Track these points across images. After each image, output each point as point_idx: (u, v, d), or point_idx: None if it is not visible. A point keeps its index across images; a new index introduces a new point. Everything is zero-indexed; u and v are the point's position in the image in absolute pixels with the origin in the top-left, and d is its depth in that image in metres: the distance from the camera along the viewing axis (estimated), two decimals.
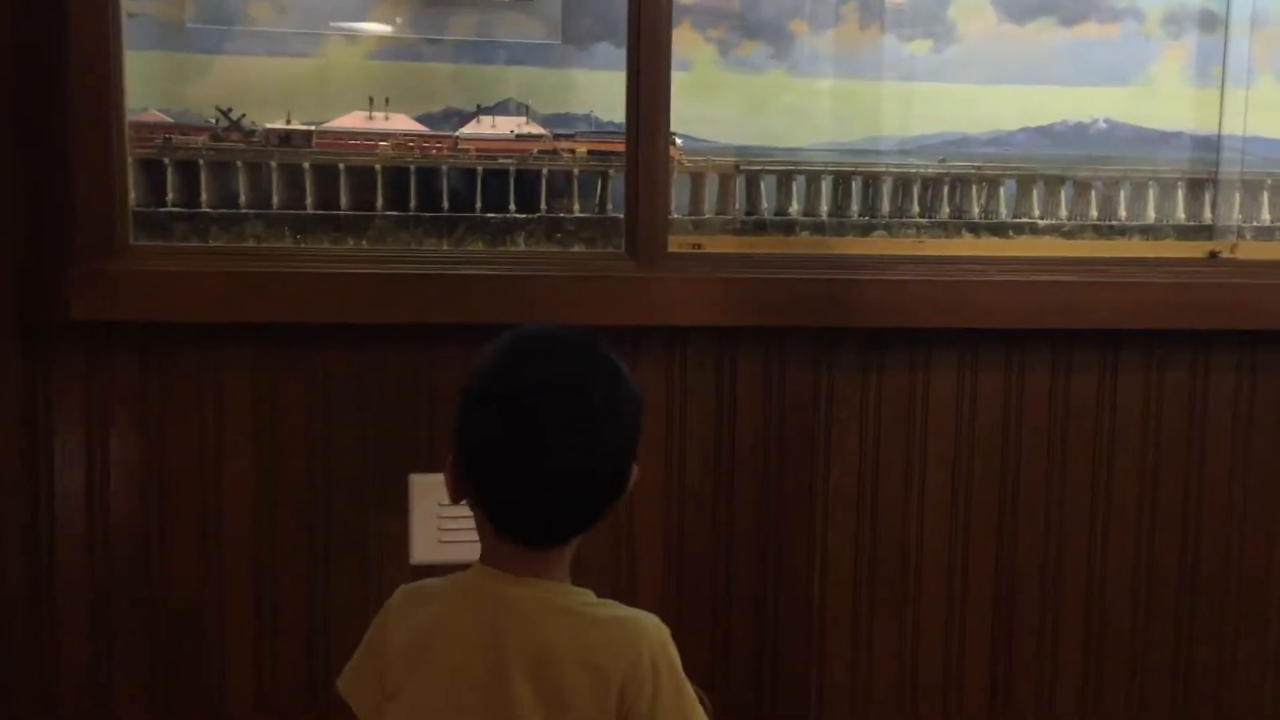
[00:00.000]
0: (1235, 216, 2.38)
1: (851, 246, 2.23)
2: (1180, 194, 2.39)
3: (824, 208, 2.33)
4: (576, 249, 2.14)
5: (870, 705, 2.08)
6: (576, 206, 2.23)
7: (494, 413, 1.21)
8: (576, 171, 2.22)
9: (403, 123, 2.20)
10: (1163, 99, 2.40)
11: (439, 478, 1.91)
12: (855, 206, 2.33)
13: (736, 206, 2.31)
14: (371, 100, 2.17)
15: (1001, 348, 2.05)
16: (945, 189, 2.35)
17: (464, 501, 1.26)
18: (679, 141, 2.11)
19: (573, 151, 2.22)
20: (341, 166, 2.16)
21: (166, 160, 2.08)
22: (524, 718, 1.18)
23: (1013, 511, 2.08)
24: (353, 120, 2.18)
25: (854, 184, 2.33)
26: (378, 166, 2.16)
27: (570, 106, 2.25)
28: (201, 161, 2.10)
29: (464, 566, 1.97)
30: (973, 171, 2.36)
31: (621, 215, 2.05)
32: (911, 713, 2.09)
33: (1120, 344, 2.06)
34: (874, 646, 2.07)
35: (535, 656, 1.19)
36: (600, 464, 1.22)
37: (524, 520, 1.22)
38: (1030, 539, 2.09)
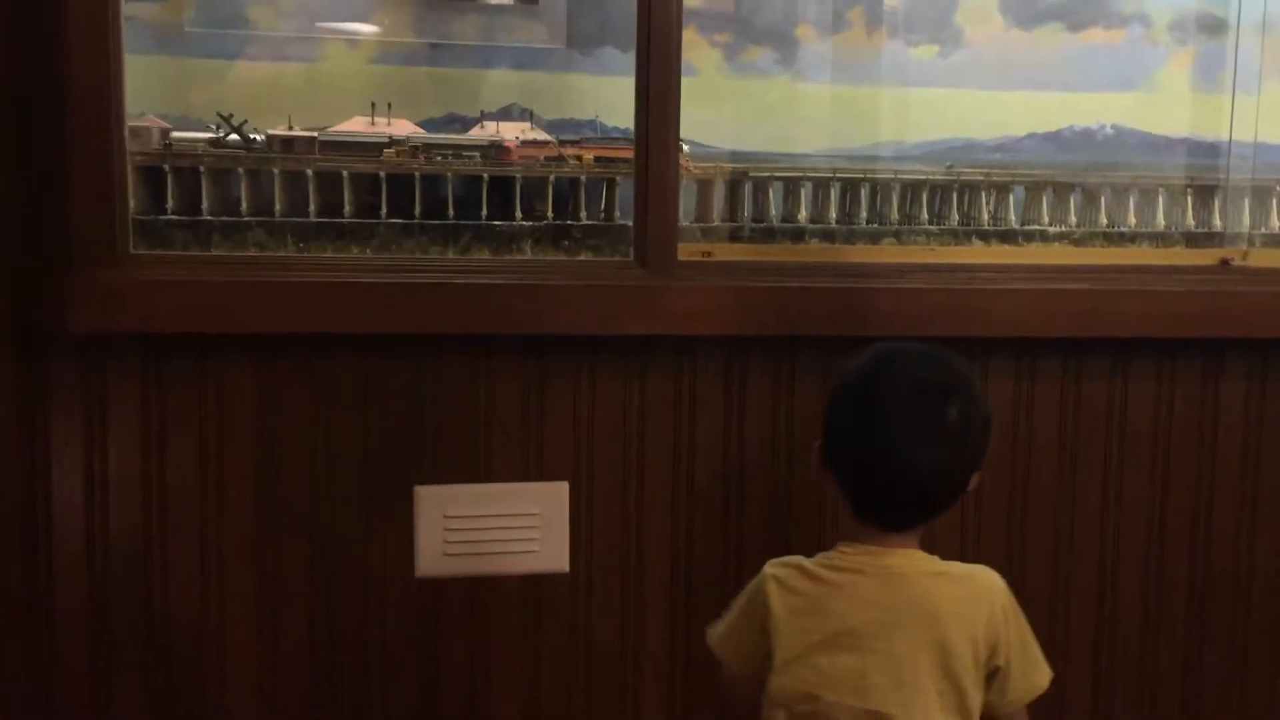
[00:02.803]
0: (1245, 224, 2.37)
1: (861, 254, 2.21)
2: (1189, 201, 2.38)
3: (832, 214, 2.31)
4: (584, 257, 2.12)
5: None
6: (583, 214, 2.21)
7: (860, 417, 1.46)
8: (583, 178, 2.20)
9: (405, 128, 2.17)
10: (1170, 104, 2.39)
11: (444, 489, 1.91)
12: (864, 213, 2.32)
13: (745, 214, 2.29)
14: (374, 105, 2.15)
15: (1012, 356, 2.03)
16: (954, 195, 2.34)
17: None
18: (686, 148, 2.09)
19: (579, 158, 2.20)
20: (345, 173, 2.14)
21: (166, 167, 2.06)
22: (920, 665, 1.42)
23: (1021, 522, 2.07)
24: (354, 125, 2.16)
25: (862, 191, 2.31)
26: (381, 173, 2.14)
27: (574, 112, 2.23)
28: (202, 168, 2.08)
29: (470, 578, 1.95)
30: (981, 178, 2.34)
31: (628, 222, 2.03)
32: None
33: (1131, 352, 2.05)
34: None
35: (922, 612, 1.44)
36: (950, 469, 1.45)
37: (878, 509, 1.47)
38: (1038, 542, 2.07)
